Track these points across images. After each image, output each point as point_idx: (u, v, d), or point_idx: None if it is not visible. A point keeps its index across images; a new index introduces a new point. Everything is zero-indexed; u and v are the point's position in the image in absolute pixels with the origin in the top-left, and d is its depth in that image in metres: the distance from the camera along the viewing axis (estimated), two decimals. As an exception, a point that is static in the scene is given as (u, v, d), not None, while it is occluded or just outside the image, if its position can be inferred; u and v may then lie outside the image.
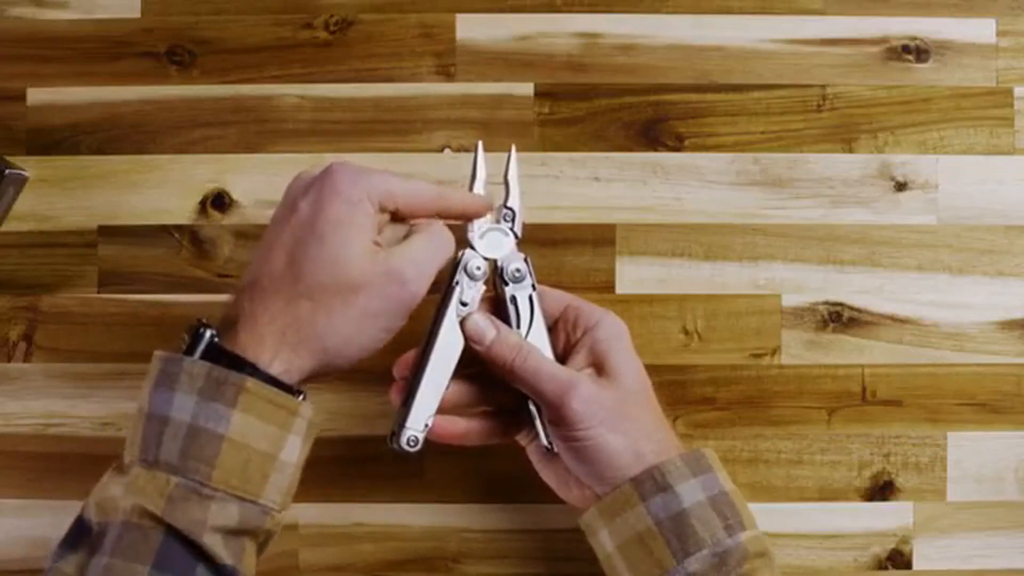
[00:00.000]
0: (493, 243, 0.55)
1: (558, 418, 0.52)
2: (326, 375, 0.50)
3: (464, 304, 0.54)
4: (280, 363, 0.48)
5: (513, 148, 0.56)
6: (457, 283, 0.54)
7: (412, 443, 0.53)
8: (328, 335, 0.49)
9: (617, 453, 0.52)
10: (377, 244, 0.50)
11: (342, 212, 0.49)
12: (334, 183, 0.49)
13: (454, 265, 0.54)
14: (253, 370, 0.47)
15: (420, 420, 0.53)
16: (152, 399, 0.47)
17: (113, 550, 0.45)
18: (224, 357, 0.47)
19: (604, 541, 0.53)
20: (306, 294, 0.48)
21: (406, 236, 0.52)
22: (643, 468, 0.51)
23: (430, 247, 0.51)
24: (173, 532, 0.45)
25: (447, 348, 0.53)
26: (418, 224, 0.52)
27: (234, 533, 0.46)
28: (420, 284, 0.50)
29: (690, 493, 0.51)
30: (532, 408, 0.54)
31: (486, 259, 0.55)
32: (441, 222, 0.53)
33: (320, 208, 0.49)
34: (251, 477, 0.47)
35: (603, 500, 0.52)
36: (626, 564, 0.52)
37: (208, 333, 0.48)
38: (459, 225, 0.55)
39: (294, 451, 0.48)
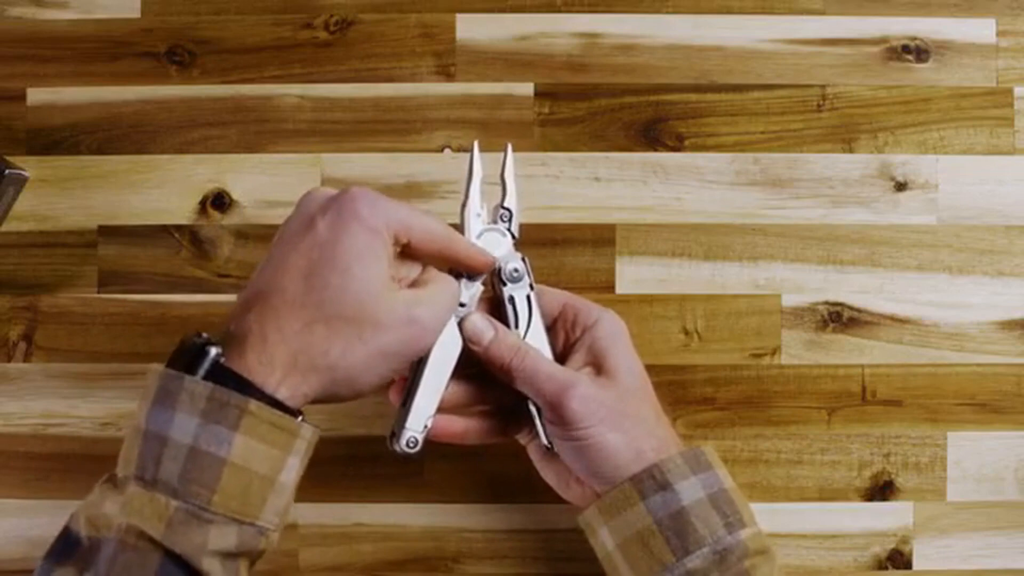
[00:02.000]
0: (490, 243, 0.55)
1: (557, 418, 0.52)
2: (324, 402, 0.49)
3: (462, 304, 0.54)
4: (287, 388, 0.47)
5: (509, 147, 0.56)
6: (455, 283, 0.54)
7: (411, 444, 0.53)
8: (340, 366, 0.48)
9: (617, 451, 0.51)
10: (392, 279, 0.49)
11: (363, 241, 0.48)
12: (355, 208, 0.48)
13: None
14: (257, 392, 0.46)
15: (419, 421, 0.53)
16: (150, 416, 0.46)
17: (108, 570, 0.44)
18: (228, 377, 0.46)
19: (604, 539, 0.52)
20: (323, 321, 0.47)
21: (413, 281, 0.51)
22: (643, 466, 0.51)
23: (445, 297, 0.51)
24: (171, 556, 0.44)
25: (446, 349, 0.53)
26: (428, 271, 0.52)
27: (231, 556, 0.46)
28: (437, 333, 0.51)
29: (690, 491, 0.51)
30: (531, 408, 0.54)
31: None
32: (449, 275, 0.53)
33: (340, 232, 0.48)
34: (251, 500, 0.46)
35: (603, 499, 0.52)
36: (626, 562, 0.51)
37: (214, 351, 0.46)
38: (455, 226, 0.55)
39: (292, 472, 0.47)
